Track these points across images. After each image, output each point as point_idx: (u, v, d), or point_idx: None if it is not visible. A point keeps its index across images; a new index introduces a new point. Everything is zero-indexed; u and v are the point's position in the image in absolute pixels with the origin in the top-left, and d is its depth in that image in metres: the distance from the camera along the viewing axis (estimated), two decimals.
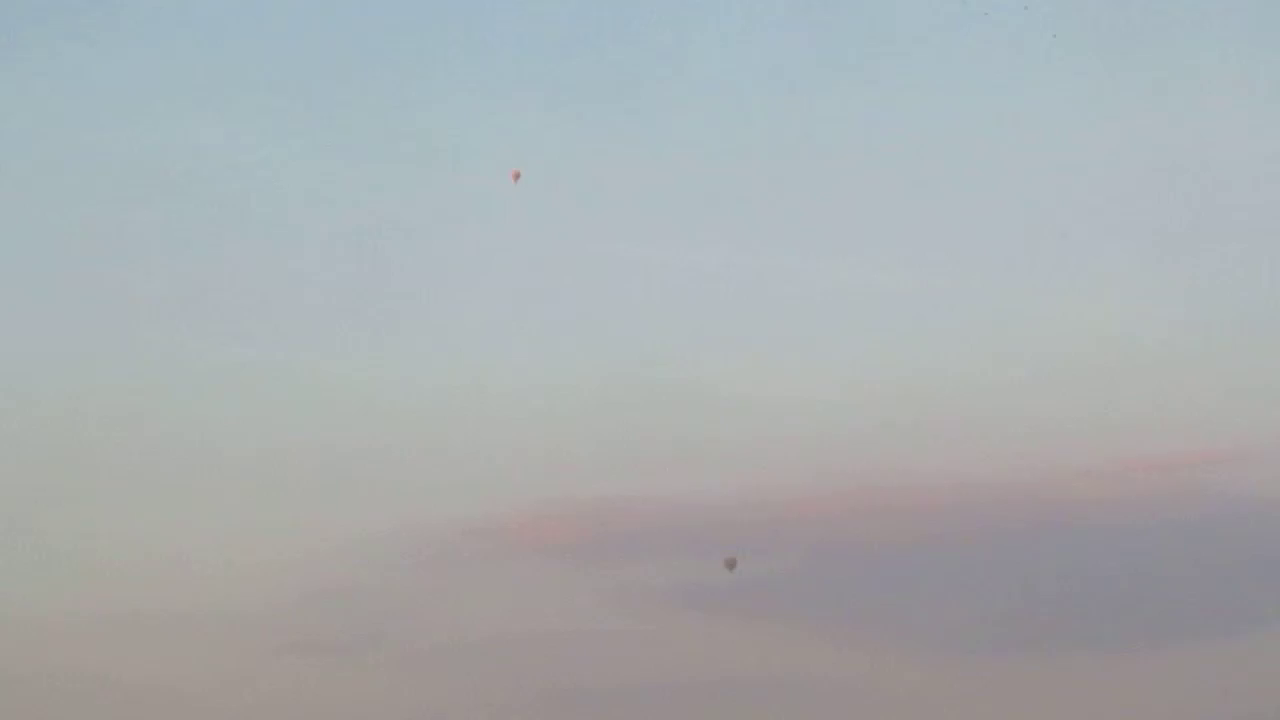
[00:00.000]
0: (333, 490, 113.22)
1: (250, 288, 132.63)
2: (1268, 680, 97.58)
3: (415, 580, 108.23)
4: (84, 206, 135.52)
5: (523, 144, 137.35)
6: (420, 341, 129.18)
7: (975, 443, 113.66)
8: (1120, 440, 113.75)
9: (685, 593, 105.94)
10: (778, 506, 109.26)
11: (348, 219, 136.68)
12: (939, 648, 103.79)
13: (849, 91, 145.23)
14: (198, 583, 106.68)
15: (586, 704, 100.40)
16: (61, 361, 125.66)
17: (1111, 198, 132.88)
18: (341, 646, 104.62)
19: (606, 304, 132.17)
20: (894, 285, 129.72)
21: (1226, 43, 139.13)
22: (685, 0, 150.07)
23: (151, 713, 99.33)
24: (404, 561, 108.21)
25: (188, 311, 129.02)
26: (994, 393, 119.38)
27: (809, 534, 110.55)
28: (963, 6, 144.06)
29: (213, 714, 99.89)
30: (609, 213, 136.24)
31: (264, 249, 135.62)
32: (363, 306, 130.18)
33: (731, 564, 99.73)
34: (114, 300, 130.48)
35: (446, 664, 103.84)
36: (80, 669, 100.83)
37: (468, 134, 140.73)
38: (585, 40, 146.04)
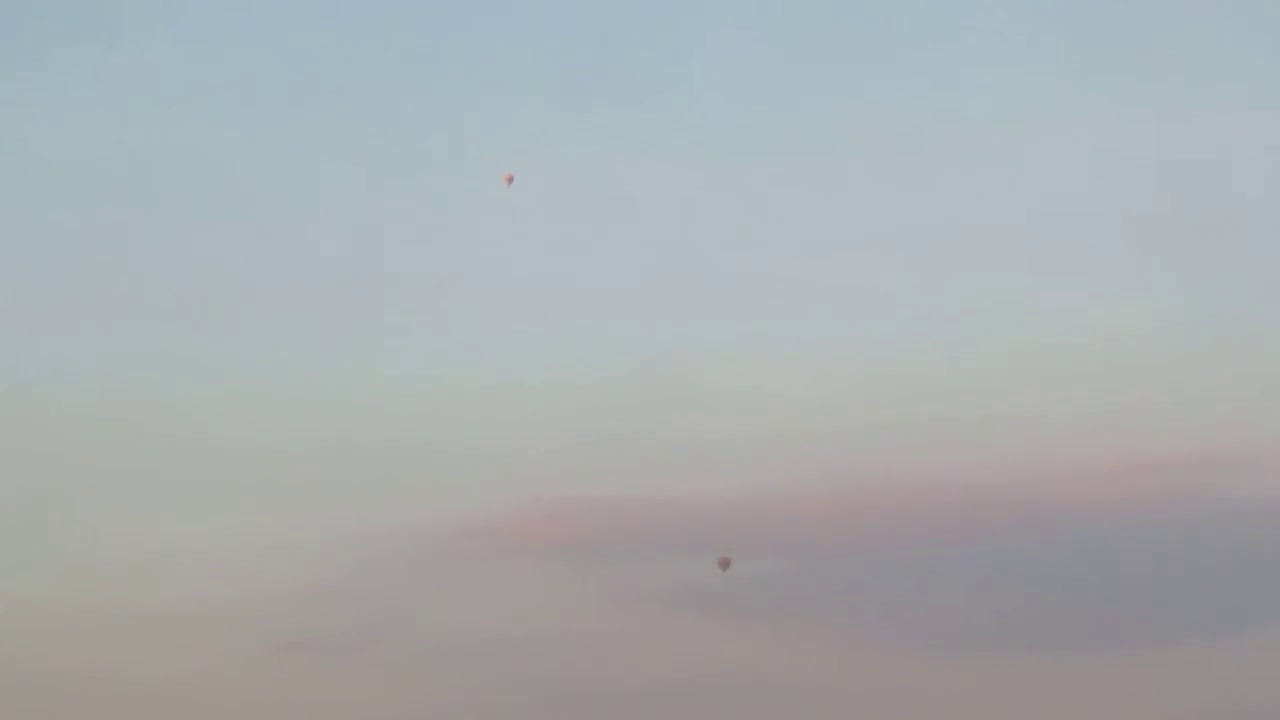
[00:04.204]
0: (331, 490, 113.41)
1: (250, 288, 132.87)
2: (1268, 680, 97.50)
3: (413, 580, 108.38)
4: (84, 206, 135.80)
5: (523, 144, 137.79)
6: (420, 341, 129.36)
7: (975, 443, 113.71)
8: (1120, 440, 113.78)
9: (683, 593, 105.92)
10: (776, 506, 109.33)
11: (347, 219, 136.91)
12: (938, 648, 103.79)
13: (850, 92, 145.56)
14: (195, 582, 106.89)
15: (584, 704, 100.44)
16: (61, 361, 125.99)
17: (1112, 197, 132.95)
18: (339, 646, 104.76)
19: (606, 304, 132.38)
20: (894, 285, 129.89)
21: (1228, 41, 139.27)
22: (686, 2, 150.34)
23: (149, 711, 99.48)
24: (402, 561, 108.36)
25: (188, 311, 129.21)
26: (994, 393, 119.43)
27: (807, 534, 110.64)
28: (961, 6, 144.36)
29: (211, 713, 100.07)
30: (608, 213, 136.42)
31: (264, 249, 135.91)
32: (362, 306, 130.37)
33: (725, 564, 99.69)
34: (114, 300, 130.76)
35: (444, 664, 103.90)
36: (80, 669, 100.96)
37: (467, 134, 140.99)
38: (586, 40, 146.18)
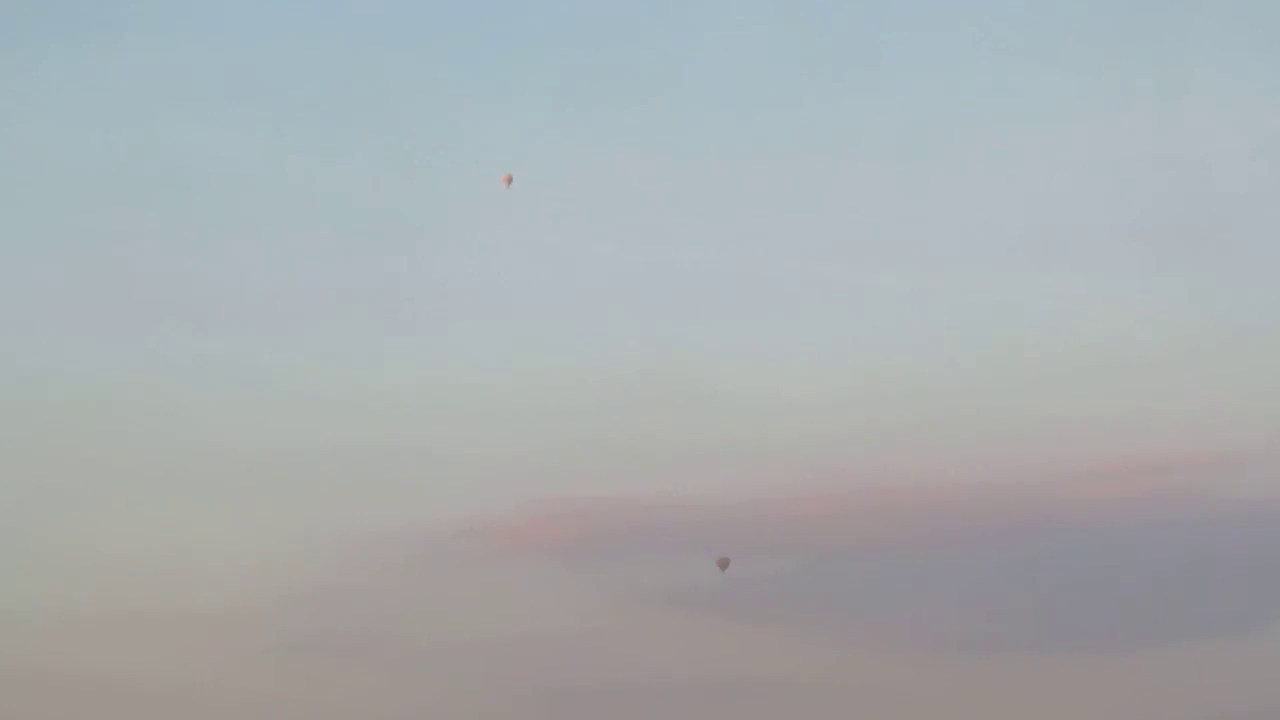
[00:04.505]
0: (331, 490, 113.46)
1: (250, 288, 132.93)
2: (1268, 680, 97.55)
3: (413, 580, 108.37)
4: (84, 206, 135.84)
5: (523, 144, 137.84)
6: (419, 341, 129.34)
7: (974, 443, 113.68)
8: (1120, 440, 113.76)
9: (683, 593, 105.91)
10: (775, 506, 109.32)
11: (347, 219, 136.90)
12: (938, 648, 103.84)
13: (849, 92, 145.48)
14: (195, 582, 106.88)
15: (583, 704, 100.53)
16: (61, 361, 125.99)
17: (1111, 197, 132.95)
18: (339, 646, 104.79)
19: (605, 304, 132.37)
20: (892, 285, 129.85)
21: (1227, 41, 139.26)
22: (685, 2, 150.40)
23: (149, 711, 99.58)
24: (401, 561, 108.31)
25: (188, 311, 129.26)
26: (994, 393, 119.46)
27: (806, 534, 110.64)
28: (961, 6, 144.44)
29: (211, 713, 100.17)
30: (608, 213, 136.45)
31: (264, 249, 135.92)
32: (362, 306, 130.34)
33: (724, 564, 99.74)
34: (114, 300, 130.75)
35: (443, 663, 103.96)
36: (80, 669, 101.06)
37: (468, 134, 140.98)
38: (586, 41, 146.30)
